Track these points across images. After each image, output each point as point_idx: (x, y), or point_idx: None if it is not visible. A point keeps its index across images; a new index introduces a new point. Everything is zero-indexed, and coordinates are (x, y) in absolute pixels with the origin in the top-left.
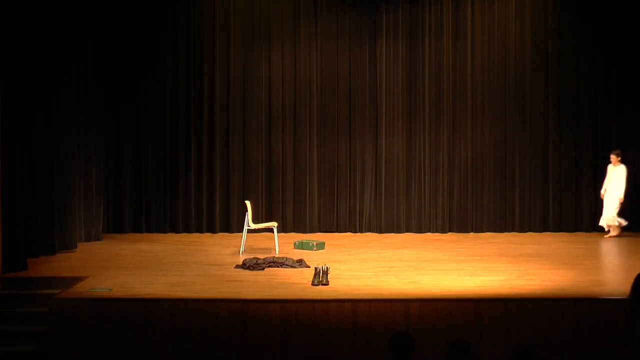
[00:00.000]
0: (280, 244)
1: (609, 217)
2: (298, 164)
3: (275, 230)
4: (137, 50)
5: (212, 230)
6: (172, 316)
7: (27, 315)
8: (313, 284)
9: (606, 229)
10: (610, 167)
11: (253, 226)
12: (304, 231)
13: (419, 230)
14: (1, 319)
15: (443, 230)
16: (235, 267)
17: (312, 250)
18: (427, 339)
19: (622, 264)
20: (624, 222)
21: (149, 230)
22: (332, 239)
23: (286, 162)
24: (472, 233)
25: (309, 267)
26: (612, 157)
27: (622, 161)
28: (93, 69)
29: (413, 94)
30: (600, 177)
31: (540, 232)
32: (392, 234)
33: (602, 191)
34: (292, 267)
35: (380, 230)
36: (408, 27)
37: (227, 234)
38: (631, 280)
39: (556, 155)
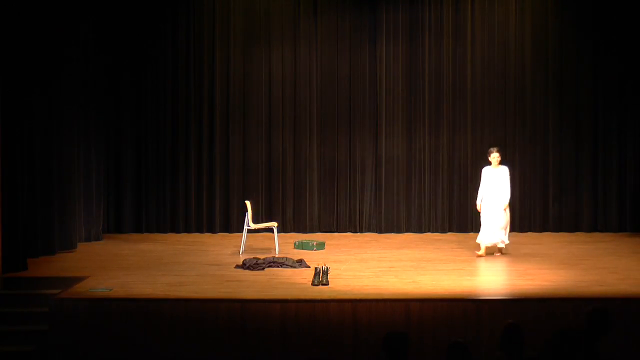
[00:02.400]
0: (280, 244)
1: (498, 232)
2: (298, 164)
3: (275, 230)
4: (136, 51)
5: (212, 230)
6: (172, 316)
7: (27, 315)
8: (313, 284)
9: (488, 245)
10: (487, 170)
11: (253, 226)
12: (304, 231)
13: (419, 230)
14: (1, 319)
15: (443, 230)
16: (235, 267)
17: (312, 250)
18: (427, 339)
19: (623, 264)
20: (507, 240)
21: (149, 230)
22: (332, 239)
23: (286, 162)
24: (472, 233)
25: (309, 267)
26: (494, 156)
27: (503, 162)
28: (93, 69)
29: (413, 94)
30: (600, 176)
31: (540, 232)
32: (392, 234)
33: (479, 201)
34: (292, 267)
35: (380, 230)
36: (408, 28)
37: (227, 234)
38: (631, 281)
39: (556, 155)
